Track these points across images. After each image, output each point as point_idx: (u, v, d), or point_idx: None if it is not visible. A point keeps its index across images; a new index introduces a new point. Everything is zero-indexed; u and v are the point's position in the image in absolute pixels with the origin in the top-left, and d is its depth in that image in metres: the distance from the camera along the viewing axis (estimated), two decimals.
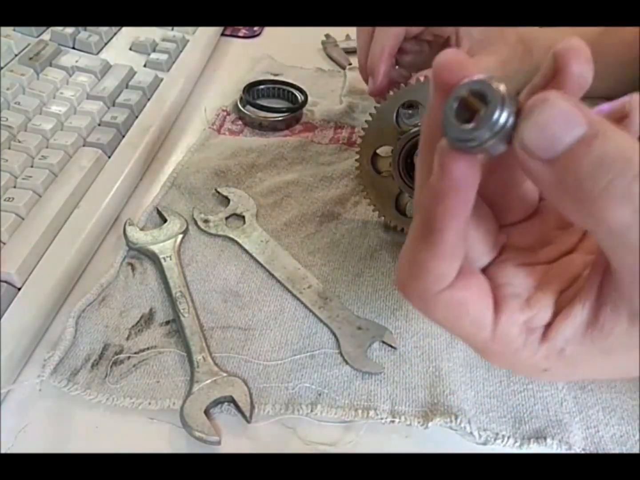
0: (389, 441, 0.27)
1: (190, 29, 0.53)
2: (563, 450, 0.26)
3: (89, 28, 0.48)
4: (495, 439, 0.27)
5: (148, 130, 0.41)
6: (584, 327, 0.16)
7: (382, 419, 0.27)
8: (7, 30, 0.45)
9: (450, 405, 0.27)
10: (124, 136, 0.41)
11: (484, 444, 0.27)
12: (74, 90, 0.42)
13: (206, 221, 0.36)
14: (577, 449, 0.26)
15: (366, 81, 0.40)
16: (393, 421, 0.27)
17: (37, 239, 0.32)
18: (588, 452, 0.26)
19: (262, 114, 0.46)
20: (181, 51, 0.50)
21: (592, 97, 0.17)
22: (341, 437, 0.27)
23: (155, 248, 0.34)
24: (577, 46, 0.15)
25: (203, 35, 0.53)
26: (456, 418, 0.27)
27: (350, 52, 0.56)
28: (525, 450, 0.26)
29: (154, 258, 0.34)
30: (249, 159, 0.41)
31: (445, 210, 0.15)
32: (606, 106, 0.18)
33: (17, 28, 0.45)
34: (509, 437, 0.27)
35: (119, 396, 0.27)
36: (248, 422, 0.27)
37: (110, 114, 0.41)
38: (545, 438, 0.26)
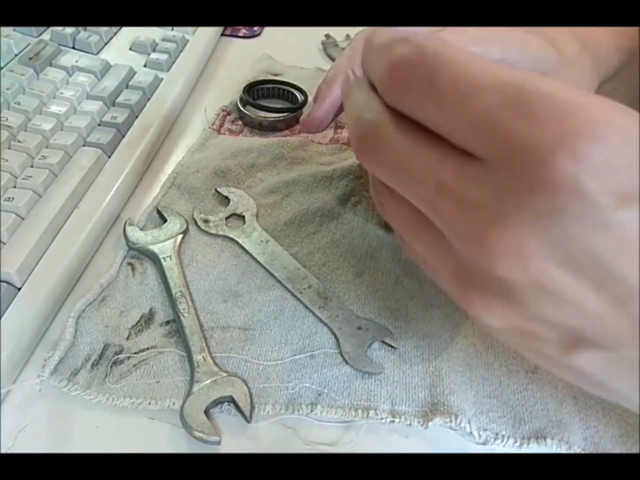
0: (389, 441, 0.27)
1: (190, 29, 0.53)
2: (563, 450, 0.26)
3: (89, 28, 0.48)
4: (495, 439, 0.27)
5: (148, 130, 0.41)
6: None
7: (382, 419, 0.27)
8: (7, 30, 0.45)
9: (450, 405, 0.27)
10: (124, 136, 0.41)
11: (484, 444, 0.27)
12: (74, 90, 0.42)
13: (206, 221, 0.36)
14: (576, 449, 0.26)
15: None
16: (393, 421, 0.27)
17: (37, 239, 0.32)
18: (588, 452, 0.26)
19: (262, 114, 0.46)
20: (181, 51, 0.50)
21: None
22: (341, 437, 0.27)
23: (155, 248, 0.34)
24: None
25: (203, 35, 0.53)
26: (456, 418, 0.27)
27: None
28: (525, 450, 0.26)
29: (154, 258, 0.34)
30: (249, 159, 0.41)
31: None
32: None
33: (17, 28, 0.45)
34: (508, 437, 0.27)
35: (119, 396, 0.27)
36: (248, 422, 0.27)
37: (110, 114, 0.41)
38: (545, 438, 0.27)
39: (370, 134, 0.20)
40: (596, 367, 0.19)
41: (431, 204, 0.18)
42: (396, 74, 0.18)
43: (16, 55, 0.44)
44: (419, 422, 0.27)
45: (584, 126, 0.15)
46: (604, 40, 0.35)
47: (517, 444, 0.27)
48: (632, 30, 0.37)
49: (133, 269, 0.34)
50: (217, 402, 0.27)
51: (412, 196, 0.19)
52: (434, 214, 0.18)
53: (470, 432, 0.27)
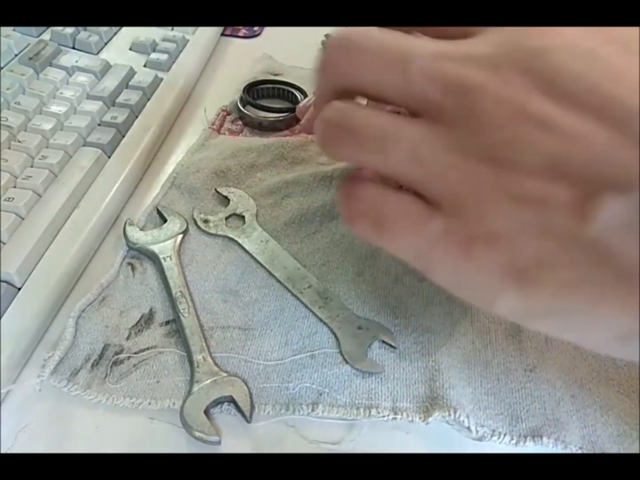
0: (391, 438, 0.27)
1: (190, 29, 0.53)
2: (559, 449, 0.26)
3: (89, 28, 0.48)
4: (491, 436, 0.27)
5: (148, 130, 0.42)
6: None
7: (384, 416, 0.27)
8: (7, 30, 0.45)
9: (449, 399, 0.27)
10: (124, 136, 0.41)
11: (480, 440, 0.27)
12: (74, 90, 0.42)
13: (206, 221, 0.36)
14: (573, 448, 0.26)
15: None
16: (395, 418, 0.27)
17: (37, 239, 0.32)
18: (585, 451, 0.26)
19: (262, 114, 0.46)
20: (181, 51, 0.50)
21: None
22: (343, 436, 0.27)
23: (155, 248, 0.34)
24: None
25: (203, 35, 0.53)
26: (455, 412, 0.27)
27: None
28: (521, 447, 0.27)
29: (154, 258, 0.34)
30: (249, 159, 0.41)
31: None
32: None
33: (17, 28, 0.45)
34: (505, 435, 0.27)
35: (119, 396, 0.27)
36: (248, 422, 0.27)
37: (110, 114, 0.41)
38: (541, 437, 0.27)
39: (335, 121, 0.20)
40: (622, 218, 0.15)
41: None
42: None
43: (16, 55, 0.44)
44: (420, 418, 0.27)
45: None
46: None
47: (514, 441, 0.27)
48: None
49: (133, 269, 0.34)
50: (217, 402, 0.27)
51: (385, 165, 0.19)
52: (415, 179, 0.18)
53: (468, 427, 0.27)
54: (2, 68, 0.42)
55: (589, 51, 0.16)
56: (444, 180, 0.17)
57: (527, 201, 0.16)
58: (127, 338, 0.30)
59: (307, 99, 0.36)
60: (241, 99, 0.47)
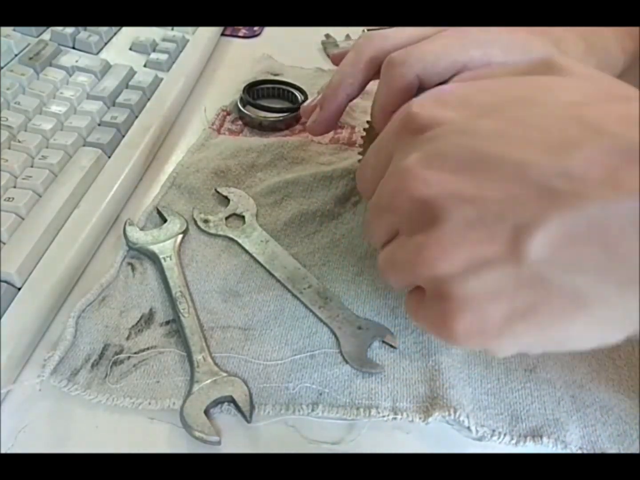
0: (391, 438, 0.27)
1: (190, 29, 0.53)
2: (559, 448, 0.26)
3: (89, 28, 0.48)
4: (491, 436, 0.27)
5: (148, 130, 0.42)
6: None
7: (384, 416, 0.27)
8: (7, 30, 0.45)
9: (449, 399, 0.27)
10: (124, 136, 0.41)
11: (480, 440, 0.27)
12: (74, 90, 0.42)
13: (206, 221, 0.36)
14: (573, 448, 0.26)
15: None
16: (395, 418, 0.27)
17: (37, 239, 0.32)
18: (585, 451, 0.26)
19: (262, 114, 0.46)
20: (181, 51, 0.50)
21: None
22: (343, 436, 0.27)
23: (155, 248, 0.34)
24: None
25: (203, 35, 0.53)
26: (455, 411, 0.27)
27: None
28: (521, 448, 0.27)
29: (154, 258, 0.34)
30: (249, 159, 0.41)
31: None
32: None
33: (17, 28, 0.45)
34: (505, 434, 0.27)
35: (119, 396, 0.27)
36: (248, 422, 0.27)
37: (110, 114, 0.41)
38: (541, 436, 0.27)
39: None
40: (546, 251, 0.17)
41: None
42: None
43: (16, 55, 0.44)
44: (420, 418, 0.27)
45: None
46: (611, 42, 0.35)
47: (514, 441, 0.27)
48: (635, 32, 0.37)
49: (133, 269, 0.34)
50: (217, 402, 0.27)
51: None
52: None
53: (468, 427, 0.27)
54: (2, 68, 0.42)
55: (468, 127, 0.19)
56: (410, 275, 0.21)
57: (474, 266, 0.19)
58: (127, 338, 0.30)
59: (311, 99, 0.36)
60: (241, 99, 0.47)
